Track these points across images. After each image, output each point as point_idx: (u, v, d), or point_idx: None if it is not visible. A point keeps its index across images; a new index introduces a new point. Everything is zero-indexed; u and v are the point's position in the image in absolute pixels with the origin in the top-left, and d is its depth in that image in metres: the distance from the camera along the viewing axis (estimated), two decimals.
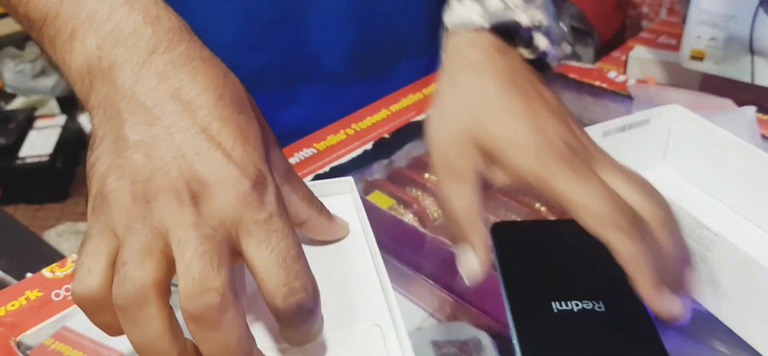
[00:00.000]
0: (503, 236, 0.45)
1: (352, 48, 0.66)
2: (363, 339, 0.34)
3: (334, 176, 0.56)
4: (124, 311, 0.27)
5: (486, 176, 0.37)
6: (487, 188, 0.38)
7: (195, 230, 0.28)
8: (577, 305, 0.39)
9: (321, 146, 0.59)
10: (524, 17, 0.41)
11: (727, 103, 0.59)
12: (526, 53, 0.42)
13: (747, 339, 0.39)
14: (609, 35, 1.31)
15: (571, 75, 0.69)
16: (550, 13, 0.43)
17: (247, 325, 0.29)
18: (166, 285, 0.28)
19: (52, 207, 2.38)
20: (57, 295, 0.43)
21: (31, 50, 2.69)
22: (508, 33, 0.42)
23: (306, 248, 0.33)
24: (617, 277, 0.41)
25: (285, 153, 0.57)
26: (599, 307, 0.39)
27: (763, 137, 0.53)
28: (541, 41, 0.42)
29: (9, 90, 2.66)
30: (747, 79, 0.66)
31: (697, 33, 0.67)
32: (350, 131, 0.61)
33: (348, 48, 0.66)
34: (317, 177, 0.55)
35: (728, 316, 0.40)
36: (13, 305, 0.42)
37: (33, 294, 0.42)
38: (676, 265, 0.34)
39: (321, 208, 0.38)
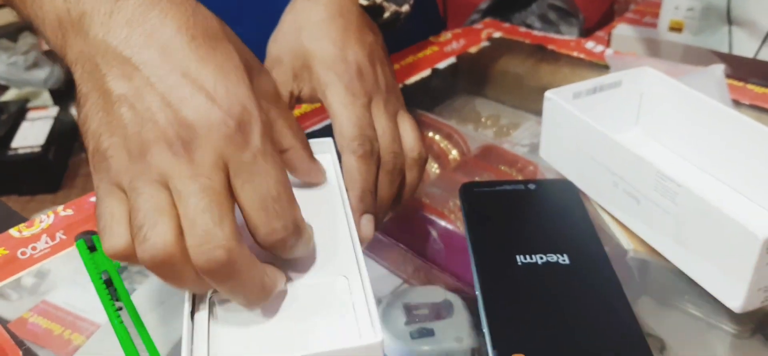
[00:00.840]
0: (470, 195, 0.45)
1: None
2: (330, 289, 0.34)
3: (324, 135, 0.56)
4: (156, 271, 0.28)
5: (295, 90, 0.45)
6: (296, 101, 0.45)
7: (192, 182, 0.28)
8: (541, 258, 0.39)
9: (298, 112, 0.58)
10: None
11: (716, 68, 0.59)
12: (387, 13, 0.49)
13: (708, 288, 0.39)
14: (596, 18, 1.30)
15: (550, 47, 0.68)
16: None
17: (259, 265, 0.30)
18: (182, 235, 0.28)
19: (44, 198, 2.38)
20: (23, 253, 0.42)
21: (24, 42, 2.69)
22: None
23: None
24: (582, 232, 0.42)
25: None
26: (563, 260, 0.39)
27: (734, 101, 0.53)
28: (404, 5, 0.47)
29: (1, 82, 2.66)
30: (725, 49, 0.66)
31: (675, 4, 0.67)
32: None
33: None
34: None
35: (691, 267, 0.40)
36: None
37: (1, 251, 0.42)
38: (386, 201, 0.42)
39: (305, 142, 0.39)
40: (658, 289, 0.43)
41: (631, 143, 0.48)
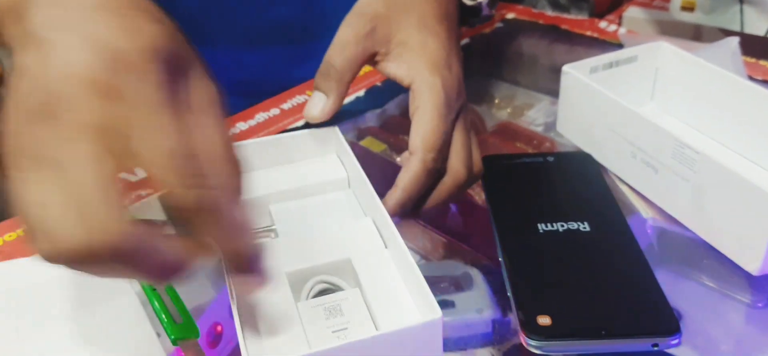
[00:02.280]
0: (491, 168, 0.46)
1: None
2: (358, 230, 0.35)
3: (331, 124, 0.57)
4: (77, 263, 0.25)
5: (375, 60, 0.45)
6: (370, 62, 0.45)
7: (83, 163, 0.25)
8: (562, 226, 0.40)
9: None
10: None
11: (736, 41, 0.60)
12: (467, 0, 0.50)
13: (726, 252, 0.40)
14: (607, 3, 1.30)
15: (564, 27, 0.69)
16: None
17: (177, 246, 0.27)
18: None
19: None
20: None
21: None
22: None
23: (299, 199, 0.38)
24: (601, 201, 0.42)
25: (277, 100, 0.58)
26: (584, 227, 0.40)
27: (748, 76, 0.54)
28: None
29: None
30: (737, 28, 0.66)
31: None
32: None
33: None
34: (309, 125, 0.56)
35: (710, 233, 0.41)
36: (9, 236, 0.43)
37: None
38: (433, 205, 0.43)
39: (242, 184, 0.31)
40: (675, 260, 0.43)
41: (646, 115, 0.49)
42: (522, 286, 0.36)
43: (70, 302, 0.37)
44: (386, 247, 0.37)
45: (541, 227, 0.40)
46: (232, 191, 0.28)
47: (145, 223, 0.28)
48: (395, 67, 0.43)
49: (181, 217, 0.27)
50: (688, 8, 0.68)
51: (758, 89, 0.44)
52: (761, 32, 0.65)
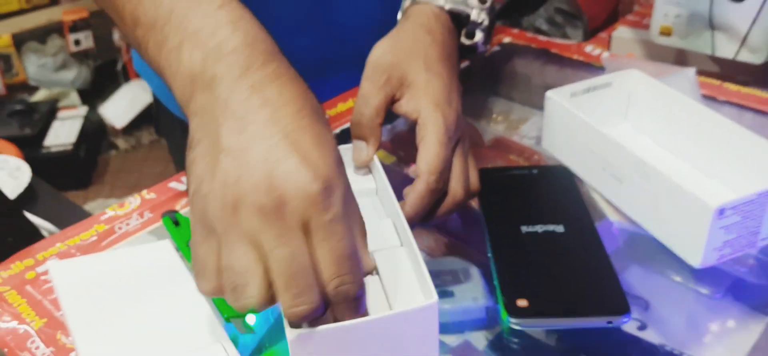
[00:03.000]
0: (486, 178, 0.55)
1: (382, 34, 0.75)
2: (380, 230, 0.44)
3: (344, 139, 0.65)
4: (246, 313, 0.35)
5: (393, 102, 0.52)
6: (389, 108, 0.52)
7: (281, 246, 0.33)
8: (541, 228, 0.49)
9: (332, 112, 0.68)
10: (474, 13, 0.53)
11: (687, 69, 0.68)
12: (465, 40, 0.57)
13: (674, 249, 0.48)
14: (602, 18, 1.39)
15: (554, 50, 0.78)
16: (492, 16, 0.57)
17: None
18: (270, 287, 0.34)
19: (76, 194, 2.49)
20: (119, 228, 0.52)
21: (52, 44, 2.79)
22: (458, 19, 0.55)
23: None
24: (574, 207, 0.51)
25: None
26: (559, 229, 0.48)
27: (705, 96, 0.62)
28: (479, 36, 0.55)
29: (32, 83, 2.77)
30: (708, 51, 0.74)
31: (665, 11, 0.76)
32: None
33: (378, 34, 0.75)
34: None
35: (662, 233, 0.49)
36: (83, 235, 0.52)
37: (100, 227, 0.52)
38: (436, 218, 0.51)
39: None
40: (645, 258, 0.51)
41: (620, 135, 0.58)
42: (505, 276, 0.45)
43: (153, 283, 0.46)
44: (401, 245, 0.45)
45: (524, 228, 0.49)
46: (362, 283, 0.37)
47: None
48: (405, 105, 0.51)
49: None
50: (666, 34, 0.76)
51: (709, 112, 0.53)
52: (730, 55, 0.73)
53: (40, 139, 2.52)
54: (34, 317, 0.44)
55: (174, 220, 0.51)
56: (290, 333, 0.35)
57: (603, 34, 0.93)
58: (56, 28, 2.76)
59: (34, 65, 2.76)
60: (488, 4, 0.57)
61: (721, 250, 0.46)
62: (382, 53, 0.52)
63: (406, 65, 0.51)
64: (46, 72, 2.79)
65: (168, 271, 0.47)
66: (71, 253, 0.50)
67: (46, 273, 0.48)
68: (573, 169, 0.56)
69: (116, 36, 2.84)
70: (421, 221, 0.50)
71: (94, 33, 2.79)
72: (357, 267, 0.36)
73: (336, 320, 0.36)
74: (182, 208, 0.54)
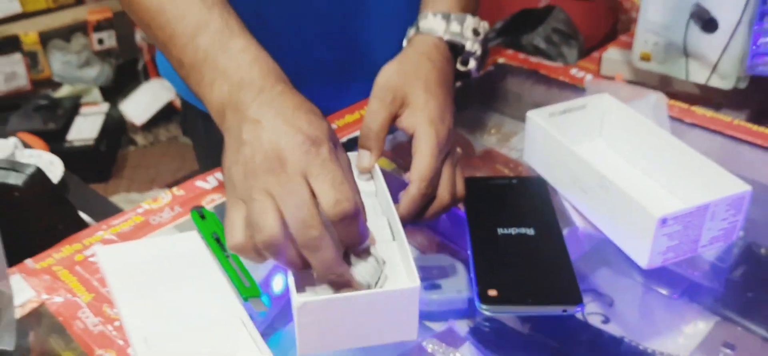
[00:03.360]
0: (471, 186, 0.63)
1: (396, 52, 0.83)
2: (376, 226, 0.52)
3: (351, 146, 0.74)
4: (267, 250, 0.45)
5: (396, 117, 0.60)
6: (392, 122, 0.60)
7: (288, 192, 0.45)
8: (515, 230, 0.57)
9: (341, 122, 0.76)
10: (469, 44, 0.61)
11: (659, 95, 0.75)
12: (460, 67, 0.66)
13: (627, 251, 0.56)
14: (600, 38, 1.46)
15: (543, 71, 0.86)
16: (485, 46, 0.66)
17: (338, 249, 0.46)
18: (285, 224, 0.45)
19: (97, 187, 2.59)
20: (154, 220, 0.61)
21: (77, 42, 2.90)
22: (455, 48, 0.64)
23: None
24: (545, 213, 0.59)
25: None
26: (530, 232, 0.56)
27: (672, 117, 0.70)
28: (472, 64, 0.64)
29: (56, 79, 2.87)
30: (683, 76, 0.82)
31: (644, 38, 0.83)
32: (363, 112, 0.78)
33: (391, 50, 0.83)
34: None
35: (616, 236, 0.57)
36: (123, 225, 0.60)
37: (137, 219, 0.61)
38: (426, 219, 0.59)
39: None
40: (613, 261, 0.59)
41: (594, 150, 0.66)
42: (480, 270, 0.53)
43: (183, 267, 0.54)
44: (393, 239, 0.53)
45: (500, 230, 0.57)
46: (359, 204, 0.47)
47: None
48: (405, 121, 0.59)
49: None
50: (645, 58, 0.84)
51: (666, 134, 0.61)
52: (702, 81, 0.81)
53: (64, 133, 2.62)
54: (83, 292, 0.53)
55: (200, 214, 0.60)
56: (296, 301, 0.44)
57: (595, 54, 1.01)
58: (81, 27, 2.87)
59: (58, 62, 2.86)
60: (481, 36, 0.65)
61: (665, 254, 0.53)
62: (389, 76, 0.61)
63: (408, 87, 0.60)
64: (70, 69, 2.89)
65: (195, 258, 0.55)
66: (113, 240, 0.58)
67: (92, 255, 0.56)
68: (548, 180, 0.64)
69: (138, 36, 2.94)
70: (412, 221, 0.58)
71: (117, 32, 2.89)
72: (349, 189, 0.46)
73: (341, 240, 0.47)
74: (207, 204, 0.63)
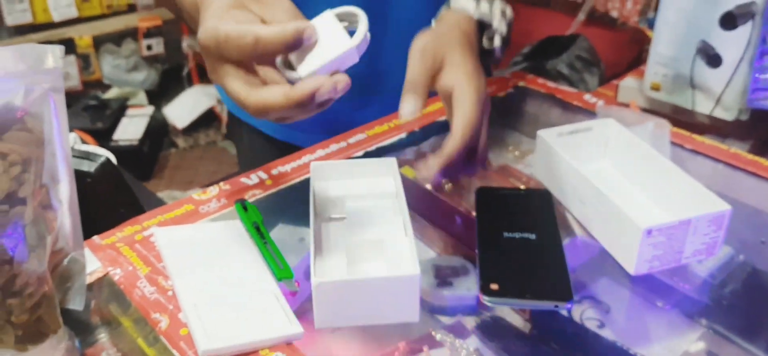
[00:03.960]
0: (482, 196, 0.70)
1: None
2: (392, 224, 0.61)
3: (379, 155, 0.82)
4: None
5: (433, 76, 0.66)
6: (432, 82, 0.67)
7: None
8: (519, 235, 0.64)
9: (370, 132, 0.84)
10: (496, 22, 0.69)
11: (663, 122, 0.82)
12: (486, 44, 0.74)
13: (617, 258, 0.63)
14: (624, 66, 1.52)
15: (559, 96, 0.93)
16: (509, 29, 0.74)
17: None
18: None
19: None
20: (203, 209, 0.69)
21: (127, 47, 3.04)
22: (482, 26, 0.72)
23: (359, 201, 0.64)
24: (547, 221, 0.66)
25: (344, 136, 0.82)
26: (532, 237, 0.63)
27: (674, 143, 0.76)
28: (498, 42, 0.70)
29: (106, 81, 3.02)
30: (689, 106, 0.88)
31: (654, 70, 0.90)
32: (391, 124, 0.86)
33: None
34: (366, 154, 0.81)
35: (609, 245, 0.64)
36: (177, 212, 0.69)
37: (189, 207, 0.69)
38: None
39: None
40: (613, 272, 0.64)
41: (599, 168, 0.72)
42: (484, 266, 0.60)
43: (228, 251, 0.62)
44: (406, 235, 0.61)
45: (505, 234, 0.64)
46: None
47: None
48: (444, 79, 0.65)
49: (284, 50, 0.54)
50: (655, 88, 0.91)
51: (659, 156, 0.67)
52: (707, 112, 0.87)
53: (110, 133, 2.76)
54: (141, 265, 0.62)
55: (243, 206, 0.68)
56: (314, 280, 0.52)
57: (615, 82, 1.07)
58: (132, 33, 3.01)
59: (109, 65, 3.01)
60: (508, 17, 0.73)
61: (651, 263, 0.60)
62: (425, 42, 0.68)
63: (445, 49, 0.67)
64: (119, 72, 3.04)
65: (237, 242, 0.64)
66: (168, 223, 0.67)
67: (150, 236, 0.65)
68: (553, 192, 0.71)
69: (185, 43, 3.07)
70: (450, 174, 0.65)
71: (165, 39, 3.03)
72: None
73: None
74: (250, 198, 0.71)
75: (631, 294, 0.65)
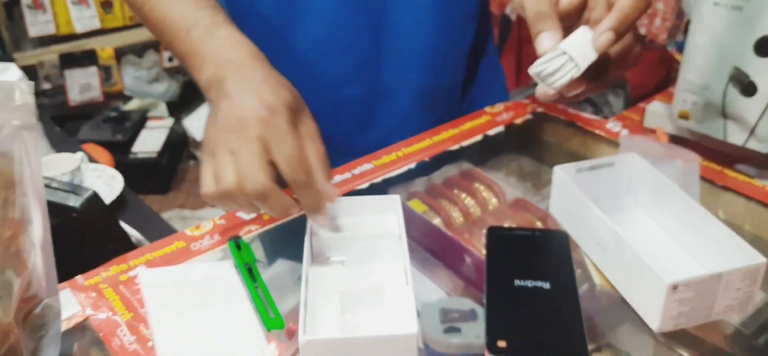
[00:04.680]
0: (493, 237, 0.65)
1: (419, 90, 0.87)
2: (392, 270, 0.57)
3: (386, 187, 0.77)
4: (225, 198, 0.57)
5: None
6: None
7: (245, 151, 0.55)
8: (531, 283, 0.58)
9: (377, 163, 0.80)
10: None
11: (692, 155, 0.76)
12: None
13: (640, 313, 0.57)
14: (651, 86, 1.46)
15: (579, 123, 0.87)
16: None
17: (289, 198, 0.58)
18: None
19: (155, 198, 2.70)
20: (194, 246, 0.65)
21: (148, 59, 3.04)
22: None
23: (360, 242, 0.59)
24: (562, 268, 0.61)
25: (349, 167, 0.78)
26: (546, 286, 0.58)
27: (704, 178, 0.71)
28: None
29: (127, 92, 3.02)
30: (720, 137, 0.82)
31: (683, 97, 0.84)
32: (400, 154, 0.81)
33: (416, 90, 0.87)
34: (372, 186, 0.76)
35: (631, 297, 0.58)
36: (166, 249, 0.65)
37: (180, 244, 0.65)
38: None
39: (324, 165, 0.60)
40: (633, 318, 0.59)
41: (621, 207, 0.67)
42: (491, 320, 0.55)
43: (216, 294, 0.58)
44: (407, 284, 0.56)
45: (517, 282, 0.59)
46: (322, 174, 0.58)
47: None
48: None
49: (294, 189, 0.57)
50: (684, 117, 0.85)
51: (688, 198, 0.62)
52: (740, 143, 0.81)
53: (130, 144, 2.75)
54: (124, 311, 0.58)
55: (237, 244, 0.64)
56: (301, 338, 0.47)
57: (641, 105, 1.02)
58: (154, 44, 3.01)
59: (130, 77, 3.01)
60: None
61: (677, 319, 0.54)
62: None
63: None
64: (141, 84, 3.04)
65: (227, 286, 0.59)
66: (156, 263, 0.63)
67: (136, 276, 0.61)
68: (571, 234, 0.66)
69: None
70: (598, 81, 0.59)
71: None
72: (300, 161, 0.56)
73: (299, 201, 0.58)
74: (245, 234, 0.67)
75: (655, 342, 0.59)
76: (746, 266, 0.53)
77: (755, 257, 0.54)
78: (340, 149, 0.82)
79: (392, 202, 0.65)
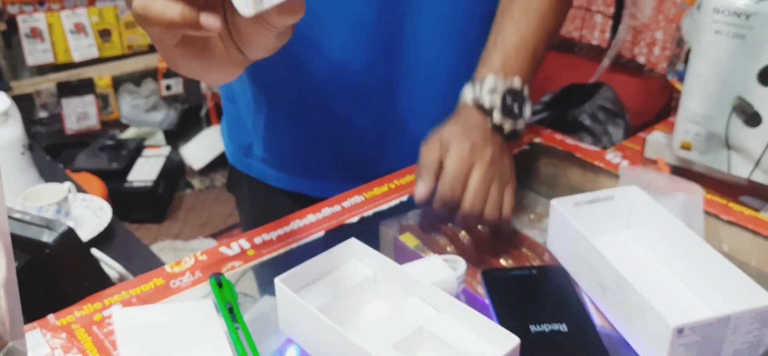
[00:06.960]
0: (491, 279, 0.61)
1: (434, 117, 0.84)
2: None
3: (377, 220, 0.74)
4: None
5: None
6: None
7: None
8: (548, 327, 0.55)
9: (368, 195, 0.77)
10: (487, 101, 0.71)
11: (695, 188, 0.73)
12: (489, 125, 0.72)
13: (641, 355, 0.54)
14: (653, 114, 1.43)
15: (578, 154, 0.84)
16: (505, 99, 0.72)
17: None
18: None
19: (150, 227, 2.67)
20: (173, 284, 0.62)
21: (146, 87, 3.03)
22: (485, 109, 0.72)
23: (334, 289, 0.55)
24: (575, 306, 0.57)
25: (338, 199, 0.75)
26: (563, 328, 0.55)
27: (708, 212, 0.68)
28: (497, 117, 0.71)
29: (124, 121, 3.00)
30: (724, 168, 0.79)
31: (685, 128, 0.81)
32: (392, 185, 0.79)
33: (431, 117, 0.84)
34: (362, 220, 0.73)
35: (632, 339, 0.55)
36: (144, 287, 0.62)
37: (158, 281, 0.62)
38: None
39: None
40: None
41: (621, 242, 0.64)
42: None
43: (193, 336, 0.55)
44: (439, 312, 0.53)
45: (533, 328, 0.55)
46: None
47: None
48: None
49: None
50: (686, 148, 0.82)
51: (691, 233, 0.58)
52: (745, 175, 0.78)
53: (125, 173, 2.72)
54: (96, 354, 0.54)
55: (218, 282, 0.61)
56: None
57: (642, 134, 0.99)
58: (151, 73, 3.00)
59: (128, 105, 2.99)
60: (500, 89, 0.72)
61: None
62: (431, 134, 0.71)
63: (446, 133, 0.70)
64: (138, 112, 3.02)
65: (206, 327, 0.56)
66: (132, 301, 0.60)
67: (110, 316, 0.58)
68: (569, 271, 0.63)
69: (204, 84, 3.05)
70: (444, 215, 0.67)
71: (185, 79, 3.01)
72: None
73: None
74: (227, 271, 0.64)
75: None
76: (756, 307, 0.50)
77: (765, 298, 0.51)
78: (353, 177, 0.81)
79: (350, 247, 0.61)
